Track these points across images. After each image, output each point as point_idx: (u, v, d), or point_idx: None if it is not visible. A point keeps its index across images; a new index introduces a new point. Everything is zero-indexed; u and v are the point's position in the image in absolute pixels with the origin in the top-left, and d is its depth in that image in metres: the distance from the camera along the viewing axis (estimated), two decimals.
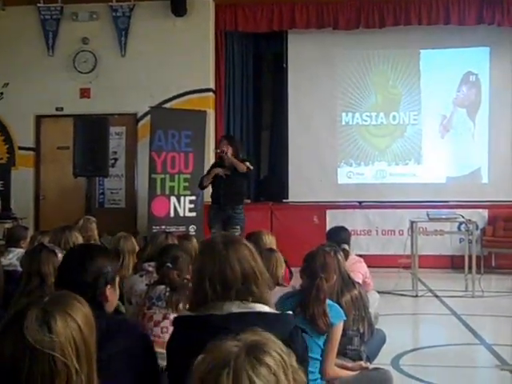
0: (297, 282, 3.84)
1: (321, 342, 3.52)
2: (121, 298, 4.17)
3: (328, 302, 3.62)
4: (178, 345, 2.29)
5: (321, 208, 10.61)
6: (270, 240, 5.25)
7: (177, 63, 10.87)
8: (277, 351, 1.30)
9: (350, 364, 3.87)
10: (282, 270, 4.52)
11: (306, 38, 11.54)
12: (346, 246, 5.87)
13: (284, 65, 11.80)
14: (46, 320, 1.47)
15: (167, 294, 3.47)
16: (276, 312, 2.40)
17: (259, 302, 2.27)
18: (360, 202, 10.88)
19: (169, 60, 10.90)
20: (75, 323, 1.50)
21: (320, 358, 3.54)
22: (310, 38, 11.50)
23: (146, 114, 10.58)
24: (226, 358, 1.26)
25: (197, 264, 2.37)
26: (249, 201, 11.82)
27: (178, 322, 2.40)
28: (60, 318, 1.49)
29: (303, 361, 2.31)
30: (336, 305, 3.70)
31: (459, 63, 11.51)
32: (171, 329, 3.39)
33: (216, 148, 8.47)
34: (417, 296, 7.98)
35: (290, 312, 2.52)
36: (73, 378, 1.45)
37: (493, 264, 9.94)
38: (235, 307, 2.22)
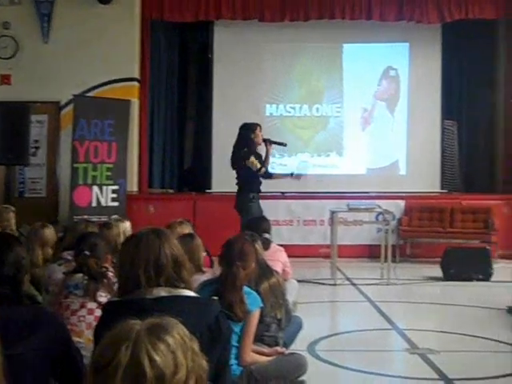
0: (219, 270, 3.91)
1: (238, 328, 3.58)
2: (38, 288, 4.17)
3: (245, 289, 3.68)
4: (105, 329, 2.34)
5: None
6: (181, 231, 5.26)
7: (101, 51, 10.73)
8: (179, 333, 1.32)
9: (266, 350, 3.98)
10: (201, 256, 4.59)
11: (232, 29, 11.61)
12: (267, 236, 5.99)
13: (210, 55, 11.83)
14: None
15: (85, 282, 3.47)
16: (203, 297, 2.50)
17: (186, 288, 2.37)
18: (283, 193, 11.02)
19: (93, 48, 10.74)
20: None
21: (237, 345, 3.62)
22: (236, 29, 11.58)
23: (69, 103, 10.41)
24: (127, 333, 1.28)
25: (129, 254, 2.42)
26: (172, 191, 11.85)
27: (108, 307, 2.47)
28: None
29: (228, 344, 2.45)
30: (253, 292, 3.77)
31: (380, 58, 11.84)
32: (88, 317, 3.44)
33: (254, 131, 8.27)
34: (335, 284, 8.19)
35: (216, 298, 2.62)
36: None
37: (408, 253, 10.32)
38: (165, 292, 2.31)
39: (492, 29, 11.87)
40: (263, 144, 8.20)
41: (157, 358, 1.24)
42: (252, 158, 8.00)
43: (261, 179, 8.20)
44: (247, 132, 8.14)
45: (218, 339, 2.28)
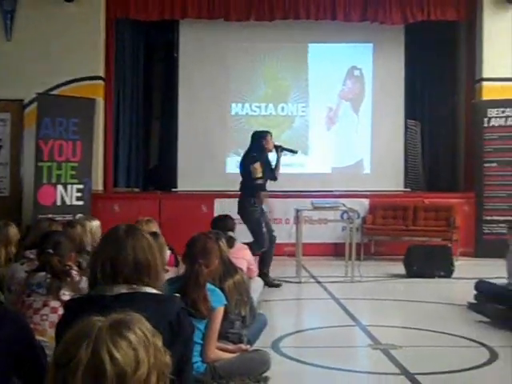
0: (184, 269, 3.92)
1: (202, 326, 3.60)
2: (0, 287, 4.13)
3: (209, 286, 3.70)
4: (67, 326, 2.35)
5: (209, 197, 10.70)
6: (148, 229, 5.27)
7: (66, 49, 10.64)
8: (141, 329, 1.31)
9: (230, 347, 4.01)
10: (164, 254, 4.60)
11: (198, 28, 11.61)
12: (231, 234, 6.04)
13: (175, 54, 11.82)
14: None
15: (48, 280, 3.46)
16: (164, 294, 2.50)
17: (149, 286, 2.35)
18: None
19: (57, 46, 10.64)
20: None
21: (201, 342, 3.65)
22: (202, 28, 11.59)
23: (32, 101, 10.31)
24: (88, 330, 1.28)
25: (95, 248, 2.48)
26: (137, 190, 11.82)
27: (68, 304, 2.47)
28: None
29: (189, 341, 2.42)
30: (217, 289, 3.79)
31: (345, 58, 11.97)
32: (51, 316, 3.43)
33: (264, 138, 8.25)
34: (300, 282, 8.24)
35: (178, 294, 2.62)
36: None
37: (372, 251, 10.45)
38: (124, 289, 2.30)
39: (453, 30, 12.08)
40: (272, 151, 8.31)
41: (117, 356, 1.23)
42: (257, 165, 8.06)
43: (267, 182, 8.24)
44: (259, 139, 8.22)
45: (178, 336, 2.28)
